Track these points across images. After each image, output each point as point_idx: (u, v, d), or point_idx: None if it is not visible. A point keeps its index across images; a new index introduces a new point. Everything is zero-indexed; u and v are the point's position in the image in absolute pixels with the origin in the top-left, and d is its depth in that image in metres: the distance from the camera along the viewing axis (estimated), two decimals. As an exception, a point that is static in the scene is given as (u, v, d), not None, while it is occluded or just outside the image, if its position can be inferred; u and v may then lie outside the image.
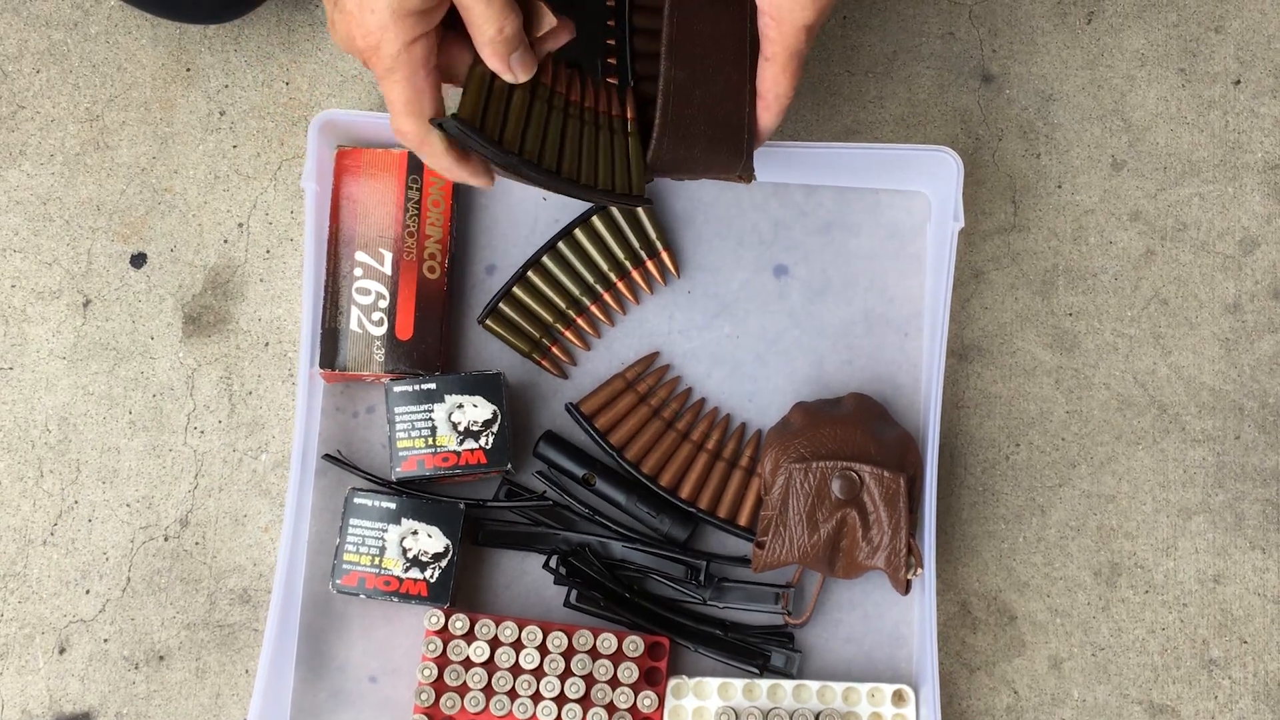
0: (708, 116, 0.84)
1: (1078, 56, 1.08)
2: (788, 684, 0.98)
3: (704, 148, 0.84)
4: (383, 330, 0.98)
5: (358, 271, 0.99)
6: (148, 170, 1.05)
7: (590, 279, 1.02)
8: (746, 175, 0.88)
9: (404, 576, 0.96)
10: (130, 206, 1.05)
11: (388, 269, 0.99)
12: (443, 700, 0.95)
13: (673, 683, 0.97)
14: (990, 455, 1.04)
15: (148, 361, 1.03)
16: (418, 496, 0.97)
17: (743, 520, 1.00)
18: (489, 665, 0.96)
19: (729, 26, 0.84)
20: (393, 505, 0.96)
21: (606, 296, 1.02)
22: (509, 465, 0.96)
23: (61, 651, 1.00)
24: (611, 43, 0.87)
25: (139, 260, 1.04)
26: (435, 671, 0.96)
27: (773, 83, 0.84)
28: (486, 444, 0.96)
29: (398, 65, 0.75)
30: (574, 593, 0.98)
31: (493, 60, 0.77)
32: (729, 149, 0.85)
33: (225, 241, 1.04)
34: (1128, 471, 1.04)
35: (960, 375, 1.04)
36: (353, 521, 0.96)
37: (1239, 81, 1.08)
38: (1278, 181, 1.07)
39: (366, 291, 0.99)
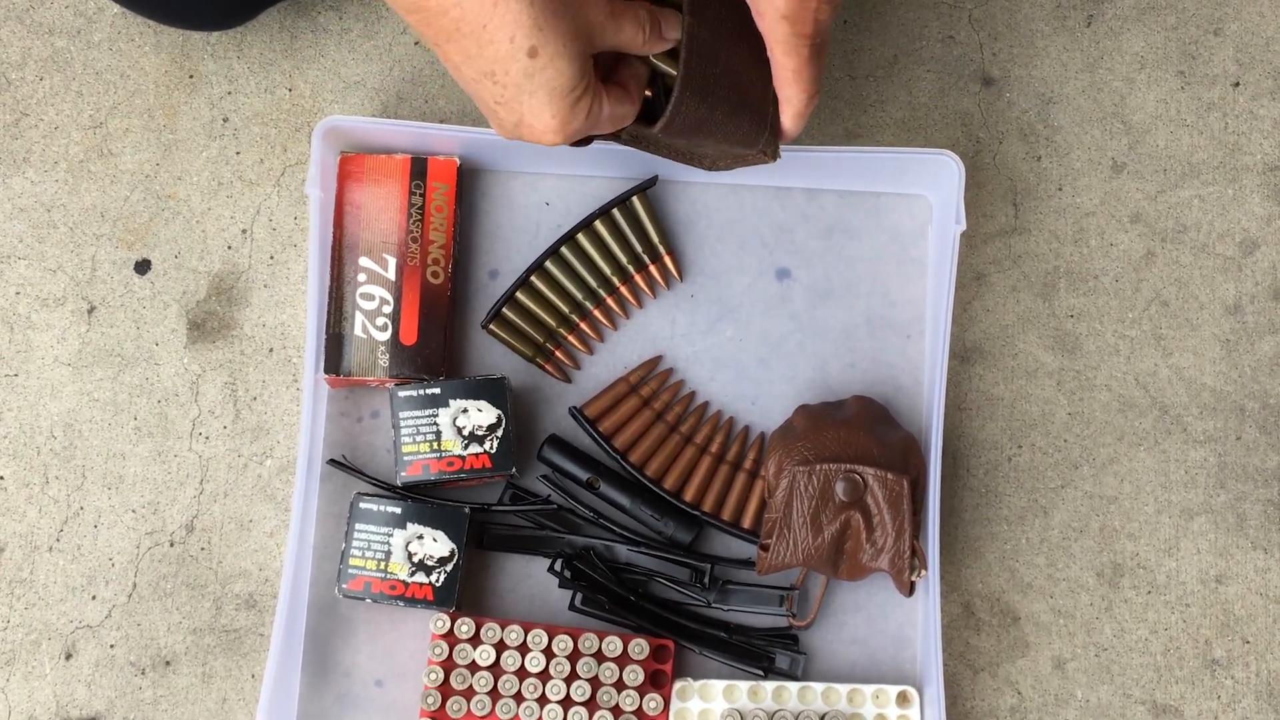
0: (732, 80, 0.82)
1: (1077, 59, 1.08)
2: (792, 686, 0.98)
3: (726, 112, 0.82)
4: (387, 335, 0.99)
5: (362, 277, 0.99)
6: (151, 177, 1.05)
7: (593, 283, 1.02)
8: (770, 151, 0.85)
9: (410, 581, 0.96)
10: (134, 213, 1.05)
11: (391, 274, 1.00)
12: (449, 704, 0.95)
13: (678, 685, 0.97)
14: (992, 457, 1.04)
15: (152, 368, 1.03)
16: (423, 501, 0.97)
17: (746, 523, 1.00)
18: (495, 669, 0.96)
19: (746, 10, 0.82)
20: (398, 510, 0.96)
21: (609, 300, 1.03)
22: (513, 469, 0.96)
23: (68, 657, 1.00)
24: None
25: (143, 267, 1.04)
26: (441, 675, 0.96)
27: (776, 82, 0.83)
28: (491, 448, 0.96)
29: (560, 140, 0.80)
30: (579, 596, 0.98)
31: (654, 48, 0.81)
32: (752, 119, 0.83)
33: (229, 248, 1.05)
34: (1129, 472, 1.04)
35: (962, 377, 1.05)
36: (358, 526, 0.96)
37: (1238, 84, 1.08)
38: (1277, 183, 1.07)
39: (371, 297, 0.99)
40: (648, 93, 0.85)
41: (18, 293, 1.04)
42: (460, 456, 0.96)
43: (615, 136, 0.85)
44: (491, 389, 0.97)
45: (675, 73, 0.81)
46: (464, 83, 0.78)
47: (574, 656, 0.97)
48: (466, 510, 0.97)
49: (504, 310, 1.02)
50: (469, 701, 0.96)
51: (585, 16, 0.76)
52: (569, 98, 0.77)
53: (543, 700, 0.96)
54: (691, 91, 0.81)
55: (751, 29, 0.82)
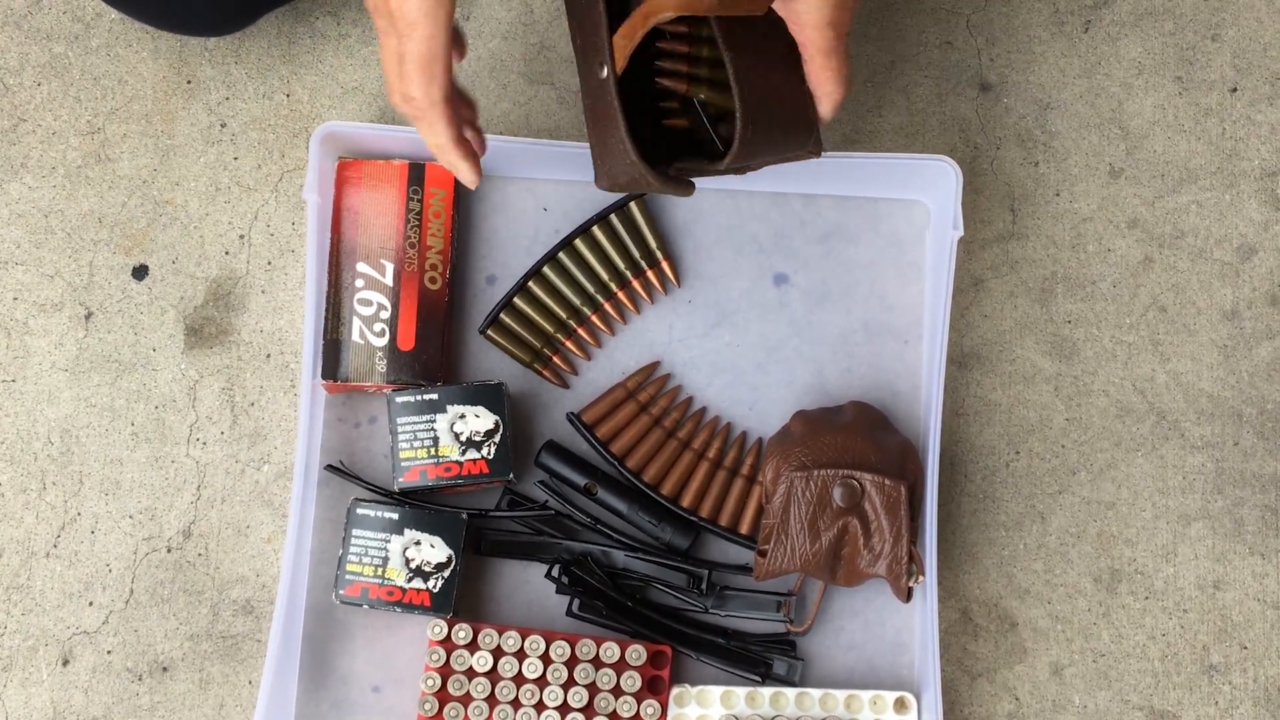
0: (777, 96, 0.84)
1: (1075, 65, 1.08)
2: (790, 692, 0.98)
3: (781, 128, 0.84)
4: (384, 341, 0.99)
5: (359, 283, 0.99)
6: (149, 182, 1.05)
7: (591, 288, 1.02)
8: (816, 149, 0.87)
9: (407, 587, 0.96)
10: (132, 219, 1.05)
11: (389, 280, 1.00)
12: (446, 710, 0.95)
13: (675, 691, 0.97)
14: (990, 462, 1.04)
15: (150, 373, 1.03)
16: (420, 507, 0.97)
17: (744, 529, 1.00)
18: (492, 675, 0.96)
19: (768, 26, 0.84)
20: (395, 516, 0.96)
21: (607, 306, 1.03)
22: (511, 475, 0.96)
23: (65, 663, 1.00)
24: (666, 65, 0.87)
25: (140, 272, 1.04)
26: (438, 681, 0.96)
27: (817, 81, 0.84)
28: (488, 454, 0.96)
29: (421, 21, 0.76)
30: (576, 602, 0.98)
31: None
32: (801, 126, 0.85)
33: (227, 253, 1.05)
34: (1127, 478, 1.04)
35: (960, 383, 1.05)
36: (355, 532, 0.96)
37: (1236, 89, 1.08)
38: (1274, 188, 1.07)
39: (368, 302, 0.99)
40: (685, 123, 0.86)
41: (15, 298, 1.04)
42: (458, 462, 0.96)
43: (679, 178, 0.85)
44: (489, 395, 0.97)
45: (716, 102, 0.84)
46: None
47: (571, 662, 0.96)
48: (464, 516, 0.97)
49: (502, 316, 1.02)
50: (466, 707, 0.96)
51: None
52: None
53: (540, 706, 0.96)
54: (752, 124, 0.82)
55: (777, 40, 0.83)
